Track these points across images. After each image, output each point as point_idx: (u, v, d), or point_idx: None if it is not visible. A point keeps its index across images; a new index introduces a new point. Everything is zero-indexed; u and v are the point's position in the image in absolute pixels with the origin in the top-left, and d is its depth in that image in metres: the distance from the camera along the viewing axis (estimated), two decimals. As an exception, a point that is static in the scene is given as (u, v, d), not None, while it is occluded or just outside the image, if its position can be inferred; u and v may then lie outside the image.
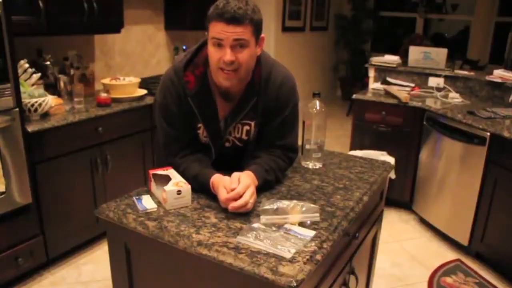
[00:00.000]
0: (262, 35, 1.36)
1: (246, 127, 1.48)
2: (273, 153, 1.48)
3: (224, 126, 1.47)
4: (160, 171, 1.39)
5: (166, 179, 1.33)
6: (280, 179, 1.50)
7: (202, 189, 1.36)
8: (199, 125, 1.46)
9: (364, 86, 4.46)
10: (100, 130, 2.60)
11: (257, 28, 1.31)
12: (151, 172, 1.39)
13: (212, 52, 1.32)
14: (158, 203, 1.32)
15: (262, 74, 1.42)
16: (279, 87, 1.44)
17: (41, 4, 2.40)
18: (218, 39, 1.28)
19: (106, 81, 2.94)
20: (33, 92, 2.32)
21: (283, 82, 1.45)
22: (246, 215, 1.25)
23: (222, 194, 1.25)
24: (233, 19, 1.25)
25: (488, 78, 3.25)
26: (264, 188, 1.41)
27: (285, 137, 1.50)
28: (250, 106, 1.43)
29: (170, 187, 1.28)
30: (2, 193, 2.12)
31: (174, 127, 1.45)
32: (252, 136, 1.50)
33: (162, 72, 1.51)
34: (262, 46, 1.39)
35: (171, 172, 1.38)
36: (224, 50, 1.28)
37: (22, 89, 2.24)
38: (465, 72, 3.52)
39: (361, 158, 1.81)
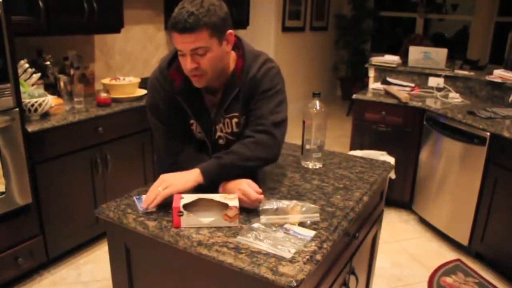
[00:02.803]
0: (229, 31, 1.33)
1: (235, 120, 1.47)
2: (247, 136, 1.41)
3: (214, 119, 1.48)
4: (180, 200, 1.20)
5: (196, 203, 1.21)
6: (249, 156, 1.37)
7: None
8: (191, 121, 1.47)
9: (364, 86, 4.46)
10: (100, 130, 2.60)
11: (215, 29, 1.27)
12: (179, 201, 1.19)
13: (180, 60, 1.34)
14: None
15: (244, 67, 1.42)
16: (260, 78, 1.41)
17: (41, 4, 2.40)
18: (178, 49, 1.30)
19: (106, 81, 2.94)
20: (33, 92, 2.32)
21: (265, 73, 1.42)
22: (246, 215, 1.25)
23: (249, 192, 1.25)
24: (185, 29, 1.23)
25: (488, 78, 3.25)
26: (228, 171, 1.33)
27: (270, 113, 1.41)
28: (231, 97, 1.42)
29: (232, 201, 1.19)
30: (2, 193, 2.12)
31: (168, 123, 1.46)
32: (242, 126, 1.48)
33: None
34: (232, 41, 1.36)
35: (190, 196, 1.22)
36: (186, 58, 1.30)
37: (22, 89, 2.24)
38: (465, 72, 3.52)
39: (361, 158, 1.81)
